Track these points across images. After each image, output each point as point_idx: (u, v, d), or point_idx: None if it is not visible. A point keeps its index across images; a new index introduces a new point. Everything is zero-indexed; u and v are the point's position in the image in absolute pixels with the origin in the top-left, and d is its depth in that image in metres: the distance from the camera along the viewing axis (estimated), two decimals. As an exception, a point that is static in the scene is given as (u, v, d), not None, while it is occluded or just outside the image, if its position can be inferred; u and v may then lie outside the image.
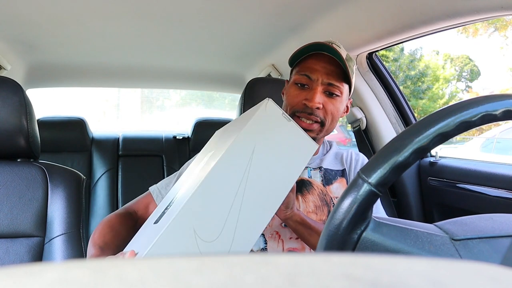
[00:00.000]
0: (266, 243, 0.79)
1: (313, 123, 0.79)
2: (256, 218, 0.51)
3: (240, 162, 0.50)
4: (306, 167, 0.85)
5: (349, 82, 0.82)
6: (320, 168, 0.86)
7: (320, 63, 0.79)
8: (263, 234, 0.79)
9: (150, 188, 0.85)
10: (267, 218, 0.52)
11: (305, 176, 0.85)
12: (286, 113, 0.81)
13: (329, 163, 0.88)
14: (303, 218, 0.71)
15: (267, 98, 0.57)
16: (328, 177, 0.85)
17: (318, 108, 0.78)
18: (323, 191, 0.83)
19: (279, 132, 0.54)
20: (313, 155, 0.88)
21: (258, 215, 0.51)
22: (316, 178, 0.85)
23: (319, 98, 0.78)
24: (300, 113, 0.79)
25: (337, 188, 0.84)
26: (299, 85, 0.81)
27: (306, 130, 0.77)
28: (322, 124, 0.80)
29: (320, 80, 0.79)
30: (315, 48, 0.80)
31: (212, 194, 0.49)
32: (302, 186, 0.82)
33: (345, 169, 0.88)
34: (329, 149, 0.93)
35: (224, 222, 0.48)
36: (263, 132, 0.53)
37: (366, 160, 0.92)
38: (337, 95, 0.80)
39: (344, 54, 0.80)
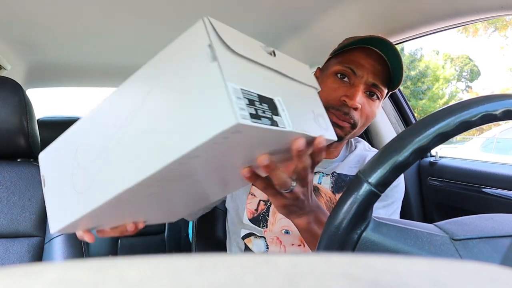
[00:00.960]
0: (267, 248, 0.76)
1: (345, 121, 0.71)
2: (122, 175, 0.37)
3: (129, 101, 0.38)
4: (318, 171, 0.77)
5: (394, 86, 0.74)
6: (332, 173, 0.78)
7: (369, 59, 0.71)
8: (264, 238, 0.76)
9: None
10: (135, 180, 0.35)
11: (315, 182, 0.77)
12: None
13: (347, 167, 0.79)
14: (309, 225, 0.54)
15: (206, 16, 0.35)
16: (340, 184, 0.77)
17: (356, 108, 0.70)
18: (331, 198, 0.76)
19: (192, 74, 0.33)
20: (331, 157, 0.80)
21: (125, 172, 0.37)
22: (326, 185, 0.77)
23: (360, 98, 0.70)
24: (335, 111, 0.71)
25: None
26: (339, 75, 0.72)
27: (336, 125, 0.71)
28: (353, 126, 0.72)
29: (365, 78, 0.70)
30: (366, 42, 0.71)
31: (94, 128, 0.42)
32: None
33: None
34: (353, 150, 0.83)
35: (91, 161, 0.40)
36: (174, 68, 0.35)
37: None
38: (377, 98, 0.73)
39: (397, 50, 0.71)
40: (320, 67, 0.82)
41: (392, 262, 0.14)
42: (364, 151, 0.83)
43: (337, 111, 0.71)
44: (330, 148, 0.79)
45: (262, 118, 0.33)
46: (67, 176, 0.44)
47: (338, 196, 0.76)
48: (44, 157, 0.52)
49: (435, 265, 0.14)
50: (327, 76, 0.75)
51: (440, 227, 0.37)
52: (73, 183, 0.43)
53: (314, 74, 0.81)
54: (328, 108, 0.71)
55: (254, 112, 0.32)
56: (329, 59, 0.78)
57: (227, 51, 0.34)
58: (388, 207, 0.76)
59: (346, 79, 0.72)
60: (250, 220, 0.77)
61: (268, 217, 0.76)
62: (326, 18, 1.05)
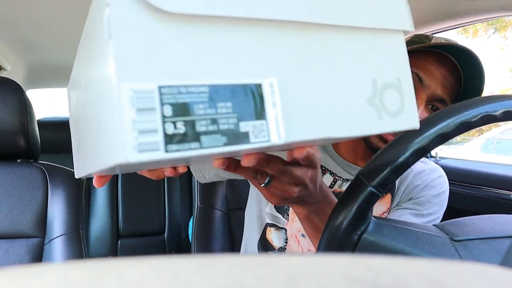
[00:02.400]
0: (286, 242, 0.71)
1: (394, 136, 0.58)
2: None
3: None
4: (340, 177, 0.68)
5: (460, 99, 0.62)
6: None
7: (442, 68, 0.59)
8: (285, 230, 0.70)
9: None
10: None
11: (336, 187, 0.68)
12: None
13: None
14: (309, 216, 0.46)
15: None
16: None
17: None
18: None
19: (94, 67, 0.24)
20: (360, 165, 0.68)
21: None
22: None
23: (421, 113, 0.59)
24: None
25: (378, 205, 0.66)
26: None
27: (384, 140, 0.61)
28: None
29: (432, 89, 0.59)
30: (443, 47, 0.59)
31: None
32: None
33: (395, 183, 0.68)
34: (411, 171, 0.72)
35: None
36: (84, 57, 0.27)
37: (442, 201, 0.70)
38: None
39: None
40: None
41: (392, 262, 0.14)
42: (424, 171, 0.70)
43: None
44: (370, 157, 0.70)
45: (205, 136, 0.21)
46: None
47: None
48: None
49: (435, 266, 0.14)
50: None
51: (440, 227, 0.37)
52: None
53: None
54: None
55: (180, 130, 0.20)
56: None
57: (145, 10, 0.20)
58: (422, 218, 0.65)
59: None
60: (275, 208, 0.71)
61: (289, 211, 0.70)
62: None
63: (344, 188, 0.68)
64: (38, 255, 0.81)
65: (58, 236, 0.81)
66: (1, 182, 0.82)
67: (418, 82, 0.60)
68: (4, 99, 0.80)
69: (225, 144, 0.22)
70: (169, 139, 0.20)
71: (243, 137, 0.22)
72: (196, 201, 0.99)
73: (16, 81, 0.84)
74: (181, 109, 0.21)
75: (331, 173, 0.69)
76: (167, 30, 0.21)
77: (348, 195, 0.34)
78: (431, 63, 0.60)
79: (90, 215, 1.65)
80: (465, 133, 0.36)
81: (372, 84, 0.28)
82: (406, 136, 0.34)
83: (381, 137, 0.62)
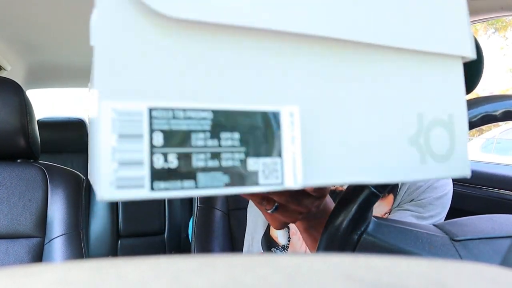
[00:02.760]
0: (289, 240, 0.70)
1: None
2: None
3: None
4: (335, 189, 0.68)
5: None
6: None
7: None
8: (288, 229, 0.70)
9: None
10: None
11: (339, 186, 0.68)
12: None
13: None
14: (307, 230, 0.46)
15: None
16: None
17: None
18: None
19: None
20: None
21: None
22: None
23: None
24: None
25: (379, 205, 0.66)
26: None
27: None
28: None
29: None
30: None
31: None
32: (338, 196, 0.62)
33: (397, 184, 0.67)
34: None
35: None
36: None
37: (443, 209, 0.69)
38: None
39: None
40: None
41: (392, 262, 0.14)
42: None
43: None
44: None
45: (203, 173, 0.17)
46: None
47: None
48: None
49: (435, 266, 0.14)
50: None
51: (440, 227, 0.37)
52: None
53: None
54: None
55: (171, 164, 0.17)
56: None
57: (140, 14, 0.17)
58: (423, 220, 0.66)
59: None
60: None
61: None
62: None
63: (346, 186, 0.67)
64: (38, 255, 0.81)
65: (58, 236, 0.81)
66: (1, 182, 0.82)
67: None
68: (4, 99, 0.80)
69: (227, 185, 0.18)
70: (157, 174, 0.16)
71: (250, 178, 0.18)
72: (196, 201, 0.99)
73: (16, 81, 0.84)
74: (175, 138, 0.17)
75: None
76: (165, 39, 0.17)
77: (348, 195, 0.34)
78: None
79: (90, 215, 1.65)
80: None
81: (418, 119, 0.23)
82: (406, 136, 0.34)
83: None
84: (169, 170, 0.16)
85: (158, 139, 0.16)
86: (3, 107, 0.79)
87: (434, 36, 0.23)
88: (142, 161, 0.16)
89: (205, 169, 0.17)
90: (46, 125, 1.66)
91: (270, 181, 0.18)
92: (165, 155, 0.16)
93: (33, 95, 1.71)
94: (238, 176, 0.18)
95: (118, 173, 0.15)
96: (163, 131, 0.16)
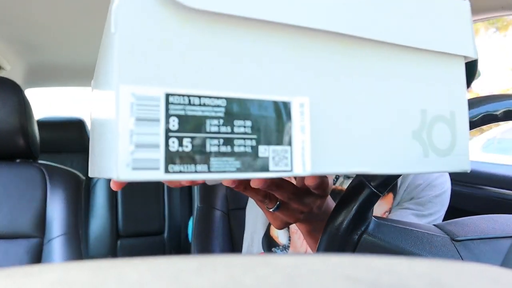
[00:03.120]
0: (290, 239, 0.70)
1: None
2: None
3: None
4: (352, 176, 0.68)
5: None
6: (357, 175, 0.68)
7: None
8: (288, 229, 0.69)
9: None
10: None
11: (337, 184, 0.68)
12: None
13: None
14: (310, 233, 0.45)
15: None
16: None
17: None
18: None
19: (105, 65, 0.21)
20: None
21: None
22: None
23: None
24: None
25: (379, 204, 0.65)
26: None
27: None
28: None
29: None
30: None
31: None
32: (337, 196, 0.60)
33: (397, 183, 0.68)
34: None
35: None
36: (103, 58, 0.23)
37: (443, 204, 0.70)
38: None
39: None
40: None
41: (393, 263, 0.14)
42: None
43: None
44: None
45: (216, 158, 0.18)
46: None
47: None
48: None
49: (436, 266, 0.14)
50: None
51: (441, 227, 0.37)
52: None
53: None
54: None
55: (186, 148, 0.17)
56: None
57: (161, 3, 0.18)
58: (423, 218, 0.67)
59: None
60: None
61: None
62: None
63: (345, 185, 0.68)
64: (37, 255, 0.80)
65: (57, 236, 0.81)
66: (0, 182, 0.82)
67: None
68: (3, 99, 0.80)
69: (238, 170, 0.18)
70: (172, 157, 0.17)
71: (261, 164, 0.19)
72: (196, 201, 0.99)
73: (15, 81, 0.84)
74: (190, 123, 0.18)
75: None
76: (185, 28, 0.18)
77: (348, 195, 0.34)
78: None
79: (89, 215, 1.65)
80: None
81: (421, 115, 0.24)
82: (406, 136, 0.34)
83: None
84: (183, 153, 0.17)
85: (174, 124, 0.17)
86: (2, 107, 0.79)
87: (439, 36, 0.24)
88: (158, 144, 0.17)
89: (217, 154, 0.18)
90: (46, 125, 1.66)
91: (280, 167, 0.19)
92: (180, 139, 0.17)
93: (30, 94, 1.71)
94: (249, 161, 0.19)
95: (135, 154, 0.16)
96: (178, 116, 0.17)
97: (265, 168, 0.19)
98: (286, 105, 0.20)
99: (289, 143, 0.20)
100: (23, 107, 0.81)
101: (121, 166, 0.16)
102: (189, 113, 0.18)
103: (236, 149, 0.19)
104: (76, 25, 1.09)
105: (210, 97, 0.18)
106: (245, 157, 0.19)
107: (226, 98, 0.18)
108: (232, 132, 0.18)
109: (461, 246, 0.34)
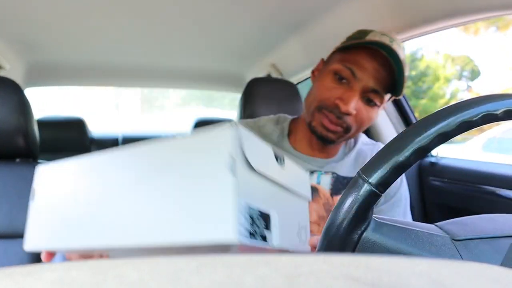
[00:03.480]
0: None
1: (337, 125, 0.67)
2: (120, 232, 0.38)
3: (131, 168, 0.37)
4: (316, 170, 0.73)
5: (397, 93, 0.68)
6: (332, 174, 0.72)
7: (373, 62, 0.65)
8: None
9: None
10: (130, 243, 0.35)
11: (313, 182, 0.71)
12: (313, 104, 0.69)
13: (346, 168, 0.74)
14: None
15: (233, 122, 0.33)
16: (338, 186, 0.72)
17: (349, 114, 0.66)
18: (329, 201, 0.71)
19: (205, 176, 0.30)
20: (328, 156, 0.75)
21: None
22: (325, 185, 0.71)
23: (355, 104, 0.65)
24: (328, 112, 0.67)
25: None
26: (338, 76, 0.67)
27: (327, 130, 0.68)
28: (346, 130, 0.68)
29: (364, 82, 0.65)
30: (372, 42, 0.65)
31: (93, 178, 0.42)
32: None
33: None
34: (352, 148, 0.77)
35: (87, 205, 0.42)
36: (186, 160, 0.32)
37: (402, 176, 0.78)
38: (376, 104, 0.68)
39: (402, 57, 0.65)
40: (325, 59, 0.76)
41: (393, 262, 0.14)
42: (362, 145, 0.78)
43: (330, 113, 0.67)
44: (326, 148, 0.75)
45: (256, 235, 0.30)
46: (61, 204, 0.42)
47: (335, 198, 0.71)
48: (41, 172, 0.47)
49: (436, 266, 0.14)
50: (326, 73, 0.69)
51: (441, 227, 0.37)
52: (65, 214, 0.41)
53: (317, 67, 0.76)
54: (321, 108, 0.68)
55: (252, 230, 0.30)
56: (334, 52, 0.72)
57: (247, 167, 0.31)
58: (406, 208, 0.74)
59: (344, 80, 0.67)
60: None
61: None
62: (326, 17, 1.05)
63: (313, 181, 0.71)
64: (38, 255, 0.80)
65: (58, 235, 0.81)
66: (0, 182, 0.82)
67: (352, 77, 0.66)
68: (3, 99, 0.80)
69: (261, 241, 0.31)
70: (249, 234, 0.28)
71: (265, 240, 0.32)
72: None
73: (15, 80, 0.84)
74: (251, 218, 0.30)
75: (311, 172, 0.72)
76: (253, 176, 0.31)
77: (348, 195, 0.34)
78: (364, 57, 0.65)
79: (90, 214, 1.65)
80: (466, 132, 0.36)
81: (298, 225, 0.38)
82: (406, 136, 0.34)
83: (323, 125, 0.68)
84: (252, 232, 0.29)
85: (249, 219, 0.29)
86: (2, 107, 0.79)
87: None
88: (247, 227, 0.28)
89: (257, 233, 0.30)
90: (45, 124, 1.66)
91: (270, 241, 0.32)
92: (253, 225, 0.30)
93: (33, 94, 1.71)
94: (263, 238, 0.32)
95: (241, 230, 0.27)
96: (251, 216, 0.30)
97: None
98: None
99: None
100: (23, 106, 0.81)
101: (238, 233, 0.27)
102: (253, 215, 0.30)
103: (262, 230, 0.32)
104: (76, 25, 1.09)
105: (259, 211, 0.32)
106: (261, 236, 0.32)
107: (262, 212, 0.32)
108: (261, 225, 0.31)
109: (461, 245, 0.34)
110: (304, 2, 0.97)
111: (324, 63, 0.75)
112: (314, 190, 0.71)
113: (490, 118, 0.33)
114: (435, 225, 0.38)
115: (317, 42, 1.20)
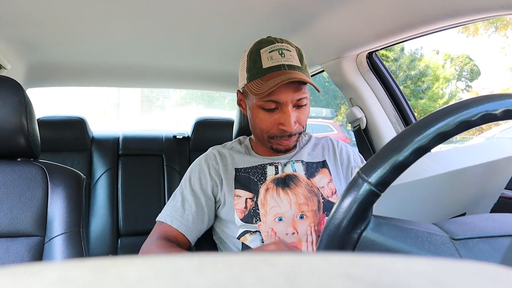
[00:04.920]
0: (263, 242, 0.78)
1: (292, 140, 0.81)
2: None
3: None
4: (288, 161, 0.87)
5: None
6: (302, 161, 0.86)
7: (284, 86, 0.74)
8: (259, 232, 0.79)
9: (165, 220, 0.83)
10: None
11: (290, 171, 0.85)
12: (261, 137, 0.83)
13: (309, 156, 0.88)
14: None
15: None
16: (310, 170, 0.85)
17: (293, 129, 0.77)
18: (308, 183, 0.83)
19: None
20: (291, 153, 0.90)
21: None
22: (300, 172, 0.85)
23: (292, 118, 0.76)
24: (279, 138, 0.80)
25: (321, 179, 0.85)
26: (265, 110, 0.78)
27: (287, 146, 0.81)
28: (300, 134, 0.82)
29: (288, 100, 0.76)
30: (271, 69, 0.76)
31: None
32: (289, 180, 0.83)
33: (325, 160, 0.88)
34: (307, 142, 0.93)
35: None
36: None
37: (347, 146, 0.94)
38: (305, 104, 0.80)
39: (297, 55, 0.78)
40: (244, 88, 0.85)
41: (392, 261, 0.14)
42: (316, 140, 0.95)
43: (281, 138, 0.79)
44: (270, 152, 0.88)
45: None
46: None
47: (312, 180, 0.84)
48: None
49: (435, 265, 0.14)
50: (255, 109, 0.80)
51: (440, 226, 0.37)
52: None
53: (239, 99, 0.88)
54: (271, 137, 0.80)
55: None
56: (247, 85, 0.79)
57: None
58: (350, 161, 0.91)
59: (273, 108, 0.77)
60: (242, 219, 0.80)
61: (258, 210, 0.80)
62: (325, 18, 1.05)
63: (290, 170, 0.85)
64: (39, 254, 0.81)
65: (58, 235, 0.81)
66: (1, 181, 0.82)
67: (276, 104, 0.76)
68: (4, 98, 0.80)
69: None
70: None
71: None
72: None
73: (16, 80, 0.84)
74: None
75: (270, 164, 0.86)
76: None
77: (348, 194, 0.34)
78: (276, 90, 0.74)
79: (90, 214, 1.65)
80: (465, 132, 0.36)
81: None
82: (406, 135, 0.34)
83: (283, 145, 0.81)
84: None
85: None
86: (3, 106, 0.79)
87: None
88: None
89: None
90: (47, 123, 1.66)
91: None
92: None
93: (33, 94, 1.71)
94: None
95: None
96: None
97: None
98: None
99: None
100: (24, 106, 0.82)
101: None
102: None
103: None
104: (77, 26, 1.09)
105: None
106: None
107: None
108: None
109: (460, 244, 0.34)
110: (304, 3, 0.97)
111: (243, 94, 0.86)
112: (294, 177, 0.84)
113: (489, 118, 0.34)
114: (435, 224, 0.38)
115: (316, 43, 1.20)
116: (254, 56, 0.79)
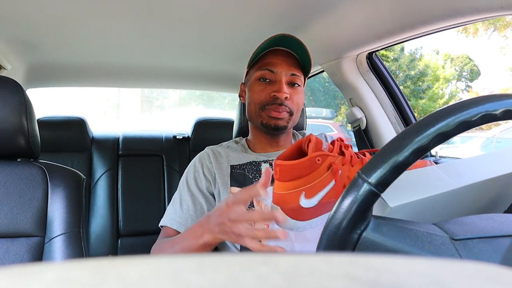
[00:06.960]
0: (260, 240, 0.77)
1: (282, 111, 0.84)
2: None
3: None
4: (268, 161, 0.88)
5: (306, 73, 0.88)
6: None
7: (279, 57, 0.84)
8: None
9: (165, 224, 0.85)
10: None
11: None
12: (254, 113, 0.87)
13: None
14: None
15: None
16: None
17: (286, 98, 0.82)
18: None
19: None
20: (282, 149, 0.91)
21: None
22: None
23: (286, 89, 0.83)
24: (270, 106, 0.84)
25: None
26: (262, 80, 0.85)
27: (277, 118, 0.84)
28: (290, 113, 0.85)
29: (283, 72, 0.83)
30: (273, 44, 0.84)
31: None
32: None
33: None
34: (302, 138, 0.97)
35: None
36: None
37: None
38: (299, 85, 0.86)
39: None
40: (246, 80, 0.93)
41: (392, 262, 0.14)
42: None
43: (272, 105, 0.83)
44: (279, 142, 0.91)
45: None
46: None
47: None
48: None
49: (435, 265, 0.14)
50: (252, 84, 0.87)
51: (440, 227, 0.37)
52: None
53: (241, 90, 0.96)
54: (263, 106, 0.84)
55: None
56: (248, 71, 0.91)
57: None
58: None
59: (268, 80, 0.84)
60: None
61: (253, 207, 0.81)
62: (326, 18, 1.05)
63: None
64: (39, 254, 0.81)
65: (58, 235, 0.81)
66: (1, 181, 0.82)
67: (272, 73, 0.84)
68: (4, 99, 0.80)
69: None
70: None
71: None
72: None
73: (16, 80, 0.84)
74: None
75: (265, 161, 0.89)
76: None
77: (348, 194, 0.34)
78: (272, 57, 0.85)
79: (90, 214, 1.65)
80: (465, 132, 0.36)
81: None
82: (406, 135, 0.34)
83: (272, 117, 0.84)
84: None
85: None
86: (3, 106, 0.79)
87: None
88: None
89: None
90: (46, 124, 1.66)
91: None
92: None
93: (33, 94, 1.71)
94: None
95: None
96: None
97: None
98: None
99: None
100: (24, 106, 0.81)
101: None
102: None
103: None
104: (77, 26, 1.09)
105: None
106: None
107: None
108: None
109: (460, 245, 0.34)
110: (304, 3, 0.97)
111: (245, 84, 0.93)
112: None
113: (489, 118, 0.34)
114: (434, 225, 0.38)
115: (316, 43, 1.20)
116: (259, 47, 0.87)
